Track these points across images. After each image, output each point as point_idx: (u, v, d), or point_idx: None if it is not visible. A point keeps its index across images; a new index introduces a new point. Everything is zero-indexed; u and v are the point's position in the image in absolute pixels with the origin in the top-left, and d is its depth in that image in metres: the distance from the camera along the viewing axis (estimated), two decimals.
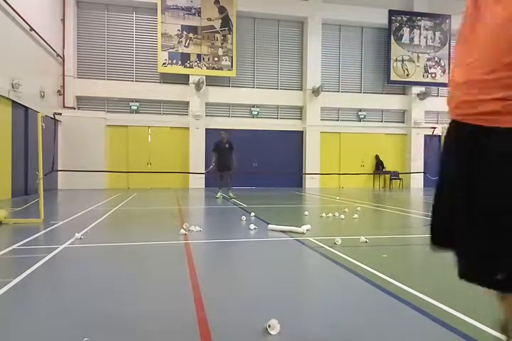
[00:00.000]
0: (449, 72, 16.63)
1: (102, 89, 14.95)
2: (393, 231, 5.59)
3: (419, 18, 17.08)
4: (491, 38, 1.10)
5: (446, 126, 1.29)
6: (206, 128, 15.60)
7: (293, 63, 16.78)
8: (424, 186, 17.19)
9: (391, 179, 17.34)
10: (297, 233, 4.98)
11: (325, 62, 16.82)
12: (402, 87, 17.59)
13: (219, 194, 10.67)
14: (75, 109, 14.77)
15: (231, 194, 10.58)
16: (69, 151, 13.84)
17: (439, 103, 17.16)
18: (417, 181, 17.24)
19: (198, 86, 15.06)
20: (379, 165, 17.18)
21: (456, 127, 1.23)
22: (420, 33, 17.13)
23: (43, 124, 6.02)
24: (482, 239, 1.13)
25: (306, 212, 7.26)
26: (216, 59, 15.44)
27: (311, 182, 16.41)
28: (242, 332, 2.07)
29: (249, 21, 16.28)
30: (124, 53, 15.40)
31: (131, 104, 15.33)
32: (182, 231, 4.93)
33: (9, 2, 9.75)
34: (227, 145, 10.63)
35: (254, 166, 15.96)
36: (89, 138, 14.23)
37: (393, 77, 16.94)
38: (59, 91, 14.20)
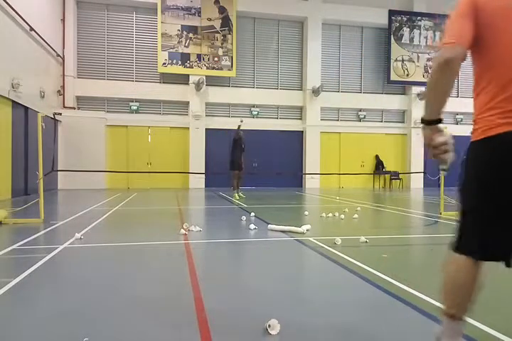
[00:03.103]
0: None
1: (102, 89, 14.95)
2: (393, 231, 5.59)
3: (419, 18, 17.07)
4: None
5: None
6: (206, 128, 15.61)
7: (293, 63, 16.77)
8: (424, 186, 17.19)
9: (391, 179, 17.34)
10: (297, 233, 4.98)
11: (325, 62, 16.81)
12: (402, 87, 17.58)
13: (237, 195, 10.41)
14: (75, 109, 14.76)
15: (241, 194, 10.60)
16: (69, 151, 13.84)
17: None
18: (417, 181, 17.24)
19: (198, 86, 15.06)
20: (379, 165, 17.18)
21: None
22: (420, 33, 17.13)
23: (43, 124, 6.01)
24: None
25: (306, 212, 7.26)
26: (216, 59, 15.44)
27: (311, 182, 16.41)
28: (242, 332, 2.07)
29: (249, 21, 16.27)
30: (124, 53, 15.40)
31: (131, 104, 15.33)
32: (182, 231, 4.93)
33: (9, 2, 9.75)
34: (243, 146, 10.59)
35: (254, 166, 15.95)
36: (89, 138, 14.23)
37: (393, 77, 16.93)
38: (59, 91, 14.20)
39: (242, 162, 10.58)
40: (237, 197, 10.31)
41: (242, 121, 10.38)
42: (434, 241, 4.88)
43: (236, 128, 10.55)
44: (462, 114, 17.33)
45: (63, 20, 14.31)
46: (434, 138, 1.55)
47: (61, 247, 4.13)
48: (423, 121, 1.58)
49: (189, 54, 15.20)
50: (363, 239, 4.48)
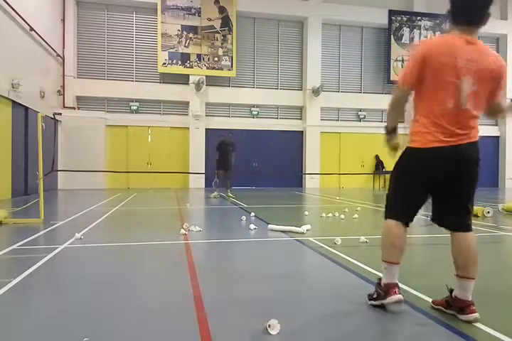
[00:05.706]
0: None
1: (102, 89, 14.95)
2: None
3: (419, 18, 17.08)
4: None
5: None
6: (206, 128, 15.60)
7: (293, 63, 16.77)
8: None
9: None
10: (297, 233, 4.98)
11: (325, 62, 16.81)
12: None
13: (230, 193, 10.67)
14: (75, 109, 14.76)
15: (229, 193, 10.66)
16: (69, 151, 13.84)
17: None
18: None
19: (198, 86, 15.06)
20: (379, 165, 17.17)
21: None
22: (420, 33, 17.14)
23: (43, 124, 6.01)
24: None
25: (306, 212, 7.26)
26: (216, 59, 15.44)
27: (311, 182, 16.41)
28: (242, 332, 2.06)
29: (249, 21, 16.27)
30: (124, 53, 15.40)
31: (131, 104, 15.33)
32: (182, 231, 4.93)
33: (9, 2, 9.75)
34: (228, 147, 10.67)
35: (254, 166, 15.96)
36: (89, 138, 14.22)
37: (393, 77, 16.92)
38: (59, 91, 14.20)
39: (228, 163, 10.65)
40: (232, 195, 10.51)
41: (228, 135, 11.04)
42: (434, 241, 4.88)
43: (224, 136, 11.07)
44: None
45: (63, 20, 14.30)
46: (393, 140, 2.62)
47: (61, 247, 4.13)
48: (387, 129, 2.62)
49: (189, 54, 15.20)
50: (363, 239, 4.48)
